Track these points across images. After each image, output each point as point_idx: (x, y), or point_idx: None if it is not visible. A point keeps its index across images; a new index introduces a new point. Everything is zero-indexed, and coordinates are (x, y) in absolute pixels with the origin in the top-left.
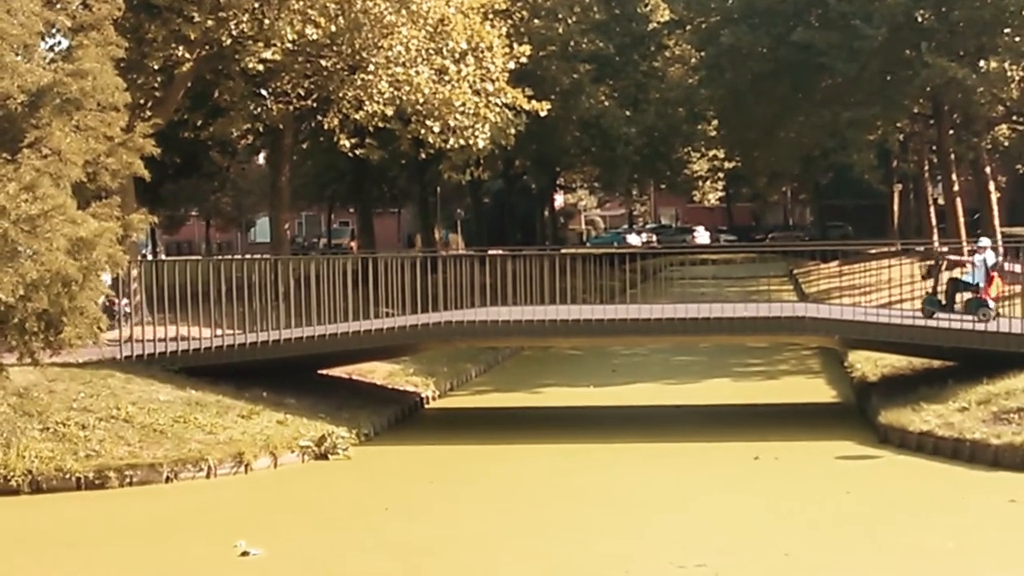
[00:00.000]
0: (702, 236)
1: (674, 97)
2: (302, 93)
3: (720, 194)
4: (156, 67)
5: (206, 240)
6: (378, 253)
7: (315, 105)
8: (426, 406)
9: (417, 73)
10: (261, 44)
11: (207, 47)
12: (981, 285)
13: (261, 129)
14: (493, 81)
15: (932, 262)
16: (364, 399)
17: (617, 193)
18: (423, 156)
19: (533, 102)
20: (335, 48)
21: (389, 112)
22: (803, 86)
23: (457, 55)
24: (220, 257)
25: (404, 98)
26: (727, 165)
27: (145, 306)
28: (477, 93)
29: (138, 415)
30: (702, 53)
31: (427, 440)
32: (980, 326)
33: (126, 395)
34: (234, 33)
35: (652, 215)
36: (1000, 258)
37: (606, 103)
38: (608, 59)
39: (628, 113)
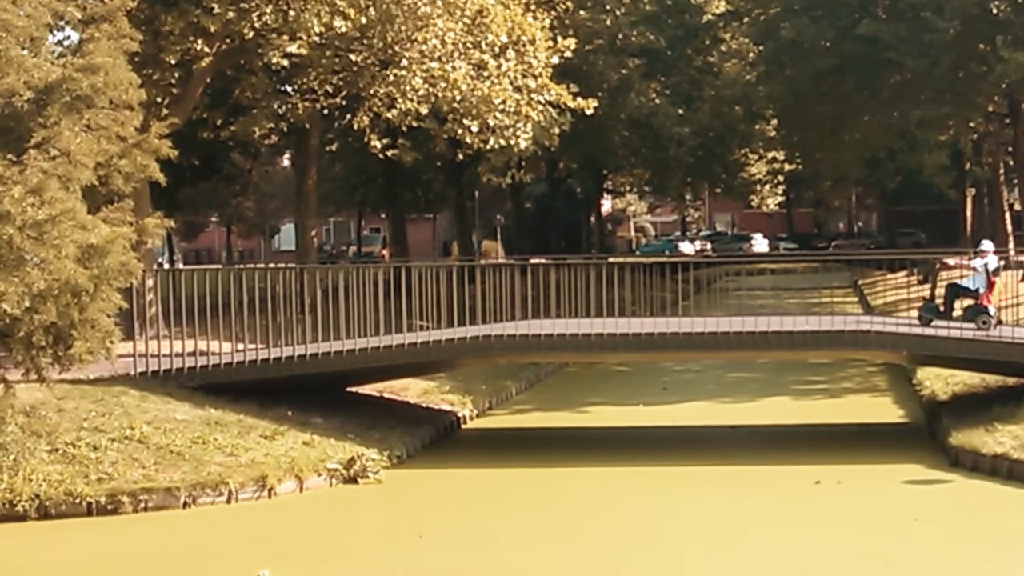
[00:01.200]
0: (760, 244)
1: (730, 95)
2: (330, 90)
3: (780, 199)
4: (173, 62)
5: (227, 248)
6: (411, 262)
7: (344, 103)
8: (463, 426)
9: (454, 68)
10: (286, 37)
11: (228, 40)
12: (982, 291)
13: (286, 129)
14: (536, 77)
15: (930, 266)
16: (396, 418)
17: (669, 198)
18: (460, 158)
19: (579, 99)
20: (365, 41)
21: (423, 110)
22: (869, 83)
23: (497, 49)
24: (242, 266)
25: (440, 95)
26: (787, 168)
27: (161, 318)
28: (518, 90)
29: (153, 436)
30: (760, 47)
31: (464, 463)
32: None
33: (140, 414)
34: (257, 25)
35: (706, 221)
36: (1002, 263)
37: (657, 101)
38: (659, 53)
39: (681, 111)
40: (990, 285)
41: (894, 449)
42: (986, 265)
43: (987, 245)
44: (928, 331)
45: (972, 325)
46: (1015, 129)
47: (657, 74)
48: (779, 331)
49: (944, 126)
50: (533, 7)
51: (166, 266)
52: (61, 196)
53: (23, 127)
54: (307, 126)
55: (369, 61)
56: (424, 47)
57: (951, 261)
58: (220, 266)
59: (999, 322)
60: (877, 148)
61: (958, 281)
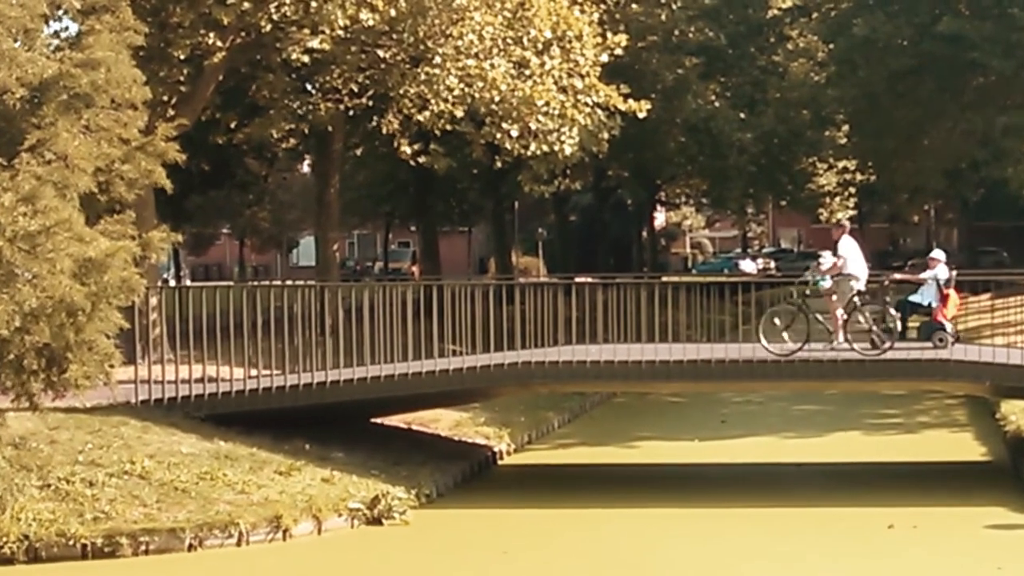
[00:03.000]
0: (829, 263)
1: (797, 97)
2: (355, 89)
3: (851, 213)
4: (182, 57)
5: (239, 263)
6: (444, 280)
7: (371, 104)
8: (499, 462)
9: (492, 66)
10: (307, 31)
11: (243, 34)
12: (934, 306)
13: (306, 132)
14: (582, 76)
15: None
16: (426, 453)
17: (729, 211)
18: (498, 165)
19: (630, 101)
20: (395, 36)
21: (459, 113)
22: (950, 86)
23: (540, 45)
24: (256, 283)
25: (476, 96)
26: (859, 179)
27: (166, 341)
28: (563, 90)
29: (156, 471)
30: (831, 46)
31: (500, 502)
32: None
33: (142, 447)
34: (275, 17)
35: (770, 237)
36: (954, 272)
37: (716, 103)
38: (719, 51)
39: (743, 116)
40: (943, 299)
41: (975, 490)
42: (936, 277)
43: (938, 254)
44: (1015, 360)
45: (929, 344)
46: None
47: (716, 74)
48: (849, 360)
49: None
50: (580, 0)
51: (172, 283)
52: (56, 205)
53: (15, 128)
54: (330, 129)
55: (399, 58)
56: (460, 43)
57: (898, 275)
58: (232, 283)
59: (956, 339)
60: (958, 157)
61: (910, 297)
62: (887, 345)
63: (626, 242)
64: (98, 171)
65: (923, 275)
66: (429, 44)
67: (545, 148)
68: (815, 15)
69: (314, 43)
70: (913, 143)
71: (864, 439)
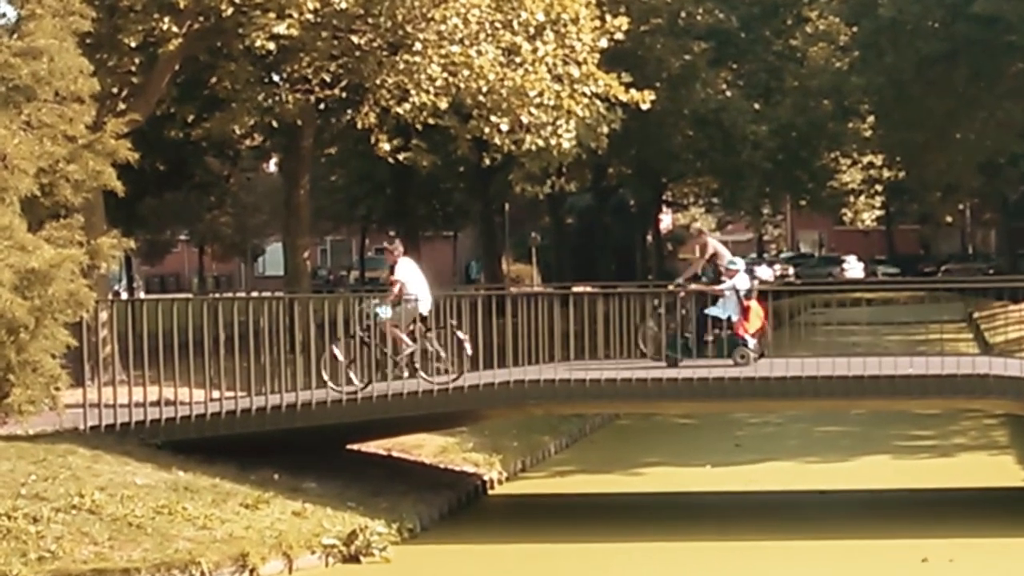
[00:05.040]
0: (854, 269)
1: (817, 86)
2: (327, 80)
3: (878, 213)
4: (133, 45)
5: (199, 273)
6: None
7: (344, 96)
8: (490, 491)
9: (479, 53)
10: (272, 15)
11: (201, 18)
12: (735, 319)
13: (273, 127)
14: (579, 64)
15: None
16: (408, 483)
17: (742, 212)
18: (487, 163)
19: (632, 91)
20: (371, 20)
21: (442, 105)
22: (986, 72)
23: (532, 30)
24: (218, 295)
25: (462, 86)
26: (886, 175)
27: (118, 360)
28: (558, 79)
29: (108, 504)
30: (854, 29)
31: (491, 536)
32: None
33: (92, 478)
34: (237, 0)
35: (788, 241)
36: (756, 281)
37: (728, 93)
38: (731, 35)
39: (757, 106)
40: (744, 311)
41: (1016, 519)
42: (735, 287)
43: (737, 263)
44: None
45: (730, 361)
46: None
47: (728, 60)
48: (878, 375)
49: None
50: None
51: (124, 295)
52: None
53: None
54: (299, 123)
55: (375, 44)
56: (443, 27)
57: (694, 285)
58: (191, 295)
59: (761, 355)
60: (995, 151)
61: (707, 310)
62: None
63: (629, 247)
64: (41, 172)
65: (721, 286)
66: (409, 29)
67: (539, 143)
68: None
69: (280, 28)
70: (945, 136)
71: (894, 463)
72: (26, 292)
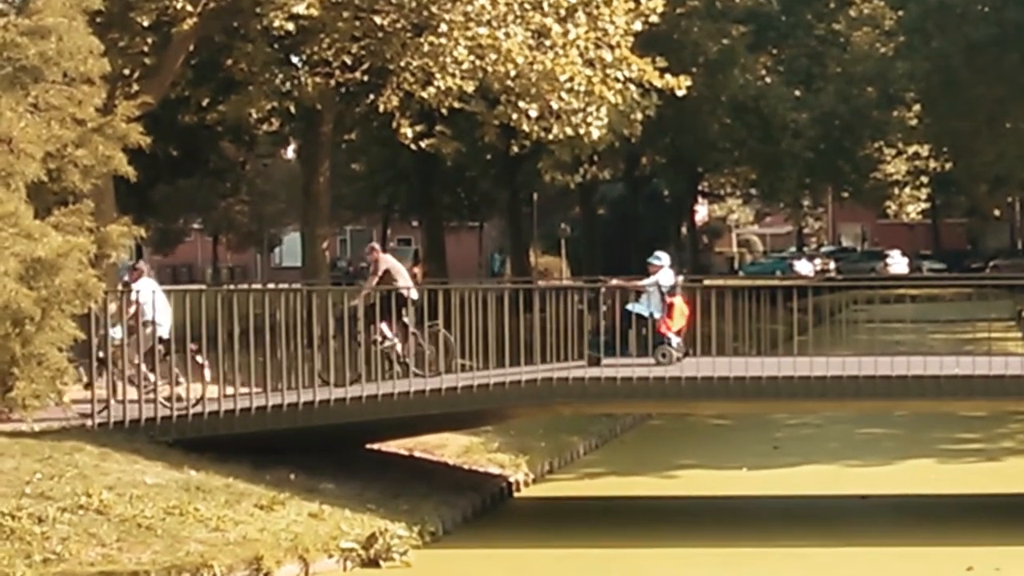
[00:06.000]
0: (898, 264)
1: (861, 72)
2: (348, 62)
3: (923, 206)
4: (146, 24)
5: (213, 263)
6: (451, 283)
7: (366, 79)
8: (516, 494)
9: (507, 35)
10: None
11: None
12: (657, 316)
13: (291, 111)
14: (612, 47)
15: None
16: (430, 484)
17: (782, 204)
18: (515, 150)
19: (667, 77)
20: (394, 0)
21: (469, 89)
22: None
23: (563, 11)
24: (232, 286)
25: (489, 70)
26: (932, 166)
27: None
28: (590, 64)
29: (116, 504)
30: (899, 12)
31: (516, 541)
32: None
33: (100, 476)
34: None
35: (829, 234)
36: (681, 277)
37: (767, 79)
38: (771, 18)
39: (798, 93)
40: (668, 308)
41: None
42: (658, 283)
43: (661, 258)
44: None
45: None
46: None
47: (767, 45)
48: (922, 375)
49: None
50: None
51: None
52: (0, 196)
53: None
54: (318, 108)
55: (399, 25)
56: (469, 8)
57: (615, 281)
58: (204, 286)
59: (685, 354)
60: None
61: (629, 306)
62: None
63: (662, 240)
64: (48, 156)
65: (644, 281)
66: (434, 9)
67: (569, 131)
68: None
69: (300, 8)
70: (994, 125)
71: (939, 467)
72: (32, 282)
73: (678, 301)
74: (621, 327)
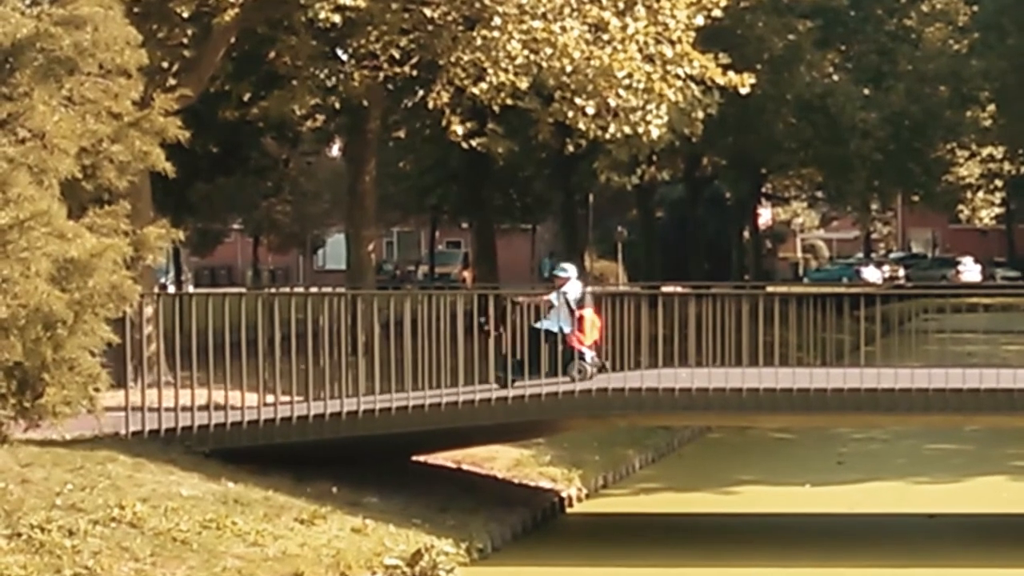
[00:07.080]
0: (970, 271)
1: (933, 70)
2: (396, 56)
3: (997, 211)
4: (186, 15)
5: (253, 265)
6: (503, 288)
7: (415, 74)
8: (568, 509)
9: (563, 29)
10: None
11: None
12: (567, 331)
13: (336, 107)
14: (673, 43)
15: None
16: (478, 498)
17: (849, 208)
18: (570, 149)
19: (730, 74)
20: None
21: (522, 85)
22: None
23: (621, 5)
24: (273, 290)
25: (544, 65)
26: (1007, 169)
27: (164, 359)
28: (650, 59)
29: (150, 517)
30: (974, 8)
31: (569, 559)
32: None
33: (133, 488)
34: None
35: (899, 240)
36: (588, 289)
37: (835, 77)
38: (839, 14)
39: (867, 92)
40: (578, 322)
41: None
42: (565, 296)
43: (568, 269)
44: None
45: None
46: None
47: (836, 41)
48: (995, 388)
49: None
50: None
51: (171, 289)
52: (32, 193)
53: None
54: (365, 104)
55: (450, 18)
56: (524, 0)
57: (521, 297)
58: (244, 290)
59: (602, 368)
60: None
61: (537, 324)
62: None
63: (724, 244)
64: (83, 152)
65: (548, 296)
66: (487, 2)
67: (627, 129)
68: None
69: (346, 0)
70: None
71: (1011, 485)
72: (65, 284)
73: (588, 313)
74: (531, 346)
